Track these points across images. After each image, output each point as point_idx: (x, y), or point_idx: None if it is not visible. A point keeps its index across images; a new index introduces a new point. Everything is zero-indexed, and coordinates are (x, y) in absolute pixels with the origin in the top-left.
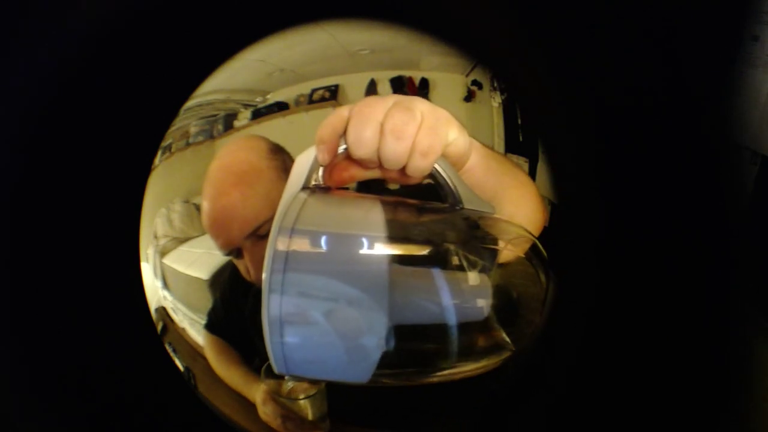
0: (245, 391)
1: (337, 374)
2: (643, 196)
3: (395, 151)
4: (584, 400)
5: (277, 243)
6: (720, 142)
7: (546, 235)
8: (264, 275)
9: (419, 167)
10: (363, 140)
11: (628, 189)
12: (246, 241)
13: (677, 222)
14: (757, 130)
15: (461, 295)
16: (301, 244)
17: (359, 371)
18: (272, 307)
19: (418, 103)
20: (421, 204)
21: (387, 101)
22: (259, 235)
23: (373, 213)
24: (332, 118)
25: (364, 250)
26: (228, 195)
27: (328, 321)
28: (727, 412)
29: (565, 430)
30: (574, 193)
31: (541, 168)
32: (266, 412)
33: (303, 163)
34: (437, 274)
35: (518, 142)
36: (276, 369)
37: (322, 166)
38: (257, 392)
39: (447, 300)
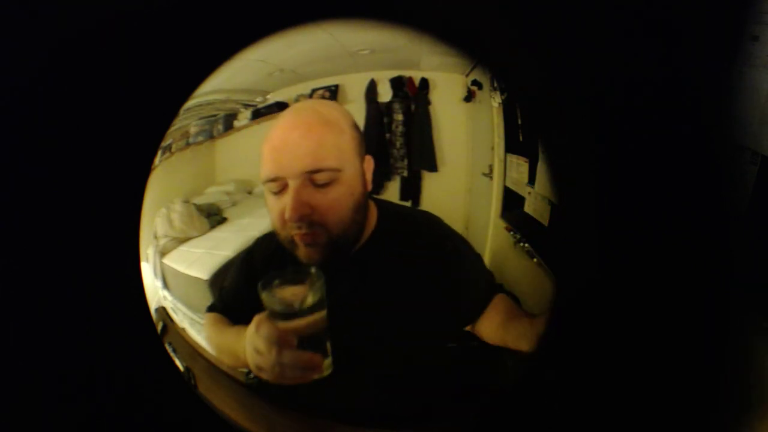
0: (238, 347)
1: None
2: (642, 196)
3: None
4: (584, 401)
5: None
6: (720, 142)
7: (546, 235)
8: None
9: None
10: None
11: (627, 189)
12: (298, 178)
13: (677, 222)
14: (756, 130)
15: None
16: None
17: None
18: None
19: None
20: None
21: None
22: (314, 182)
23: None
24: None
25: None
26: (300, 129)
27: None
28: (727, 412)
29: (565, 430)
30: (574, 193)
31: (541, 168)
32: (258, 348)
33: None
34: None
35: (518, 142)
36: None
37: None
38: (249, 332)
39: None
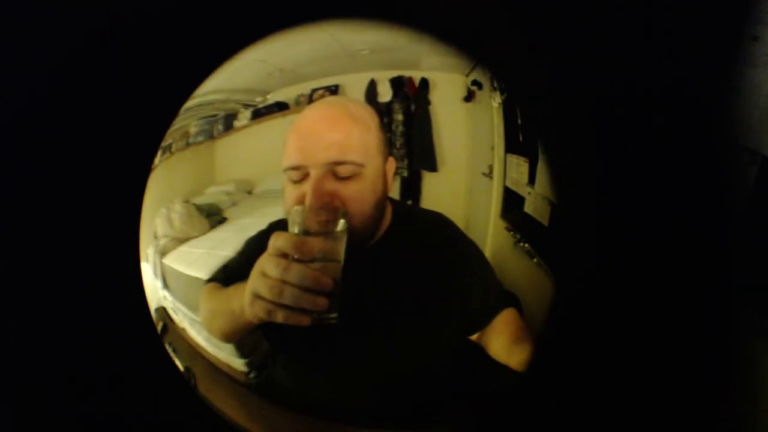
0: (233, 301)
1: None
2: (642, 196)
3: None
4: (583, 401)
5: None
6: (720, 141)
7: (546, 235)
8: None
9: None
10: None
11: (627, 189)
12: (320, 168)
13: (677, 222)
14: (756, 130)
15: None
16: None
17: None
18: None
19: None
20: None
21: None
22: (337, 174)
23: None
24: None
25: None
26: (328, 120)
27: None
28: (728, 412)
29: (564, 431)
30: (574, 193)
31: (541, 168)
32: (266, 268)
33: None
34: None
35: (518, 142)
36: None
37: None
38: (260, 259)
39: None
